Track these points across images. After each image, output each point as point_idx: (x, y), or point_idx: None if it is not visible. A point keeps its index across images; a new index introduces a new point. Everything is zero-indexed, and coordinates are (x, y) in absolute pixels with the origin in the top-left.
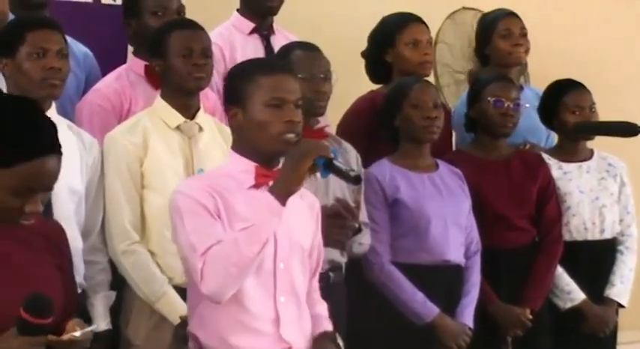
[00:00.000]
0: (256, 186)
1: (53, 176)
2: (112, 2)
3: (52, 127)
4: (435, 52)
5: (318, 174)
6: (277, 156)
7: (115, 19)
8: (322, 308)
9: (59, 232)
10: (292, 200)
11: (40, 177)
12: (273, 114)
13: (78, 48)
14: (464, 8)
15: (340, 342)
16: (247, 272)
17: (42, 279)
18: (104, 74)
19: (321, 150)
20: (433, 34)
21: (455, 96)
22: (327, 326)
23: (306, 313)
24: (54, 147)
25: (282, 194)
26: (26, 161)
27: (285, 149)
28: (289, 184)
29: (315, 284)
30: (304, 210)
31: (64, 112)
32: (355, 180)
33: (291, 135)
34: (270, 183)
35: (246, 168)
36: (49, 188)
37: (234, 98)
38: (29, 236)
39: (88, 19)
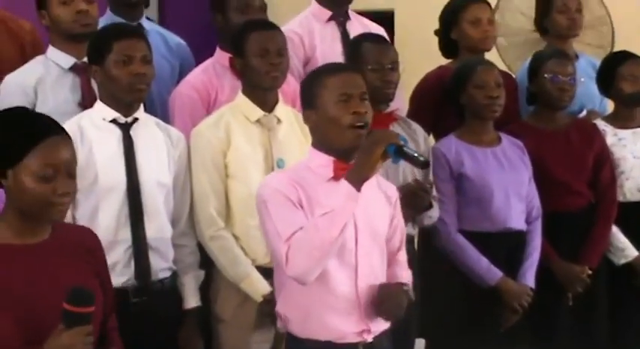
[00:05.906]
0: (335, 178)
1: (64, 156)
2: None
3: (45, 117)
4: (504, 17)
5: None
6: (351, 149)
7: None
8: (404, 270)
9: (92, 237)
10: (371, 190)
11: (51, 156)
12: (341, 108)
13: (172, 38)
14: None
15: (411, 294)
16: (329, 254)
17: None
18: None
19: (390, 138)
20: None
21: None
22: (404, 278)
23: None
24: (53, 129)
25: (357, 180)
26: (34, 146)
27: (357, 141)
28: (363, 171)
29: (402, 257)
30: (382, 199)
31: (160, 98)
32: (423, 165)
33: (360, 125)
34: None
35: (324, 162)
36: (69, 170)
37: (308, 101)
38: (65, 245)
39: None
